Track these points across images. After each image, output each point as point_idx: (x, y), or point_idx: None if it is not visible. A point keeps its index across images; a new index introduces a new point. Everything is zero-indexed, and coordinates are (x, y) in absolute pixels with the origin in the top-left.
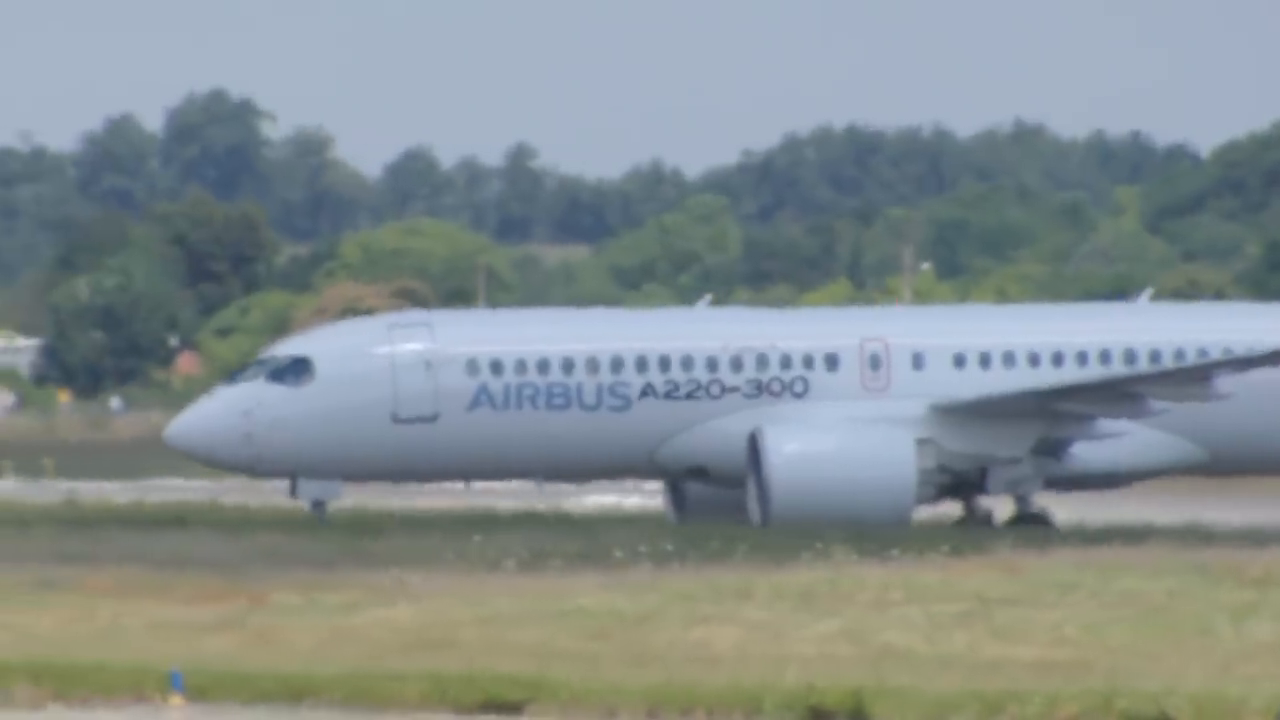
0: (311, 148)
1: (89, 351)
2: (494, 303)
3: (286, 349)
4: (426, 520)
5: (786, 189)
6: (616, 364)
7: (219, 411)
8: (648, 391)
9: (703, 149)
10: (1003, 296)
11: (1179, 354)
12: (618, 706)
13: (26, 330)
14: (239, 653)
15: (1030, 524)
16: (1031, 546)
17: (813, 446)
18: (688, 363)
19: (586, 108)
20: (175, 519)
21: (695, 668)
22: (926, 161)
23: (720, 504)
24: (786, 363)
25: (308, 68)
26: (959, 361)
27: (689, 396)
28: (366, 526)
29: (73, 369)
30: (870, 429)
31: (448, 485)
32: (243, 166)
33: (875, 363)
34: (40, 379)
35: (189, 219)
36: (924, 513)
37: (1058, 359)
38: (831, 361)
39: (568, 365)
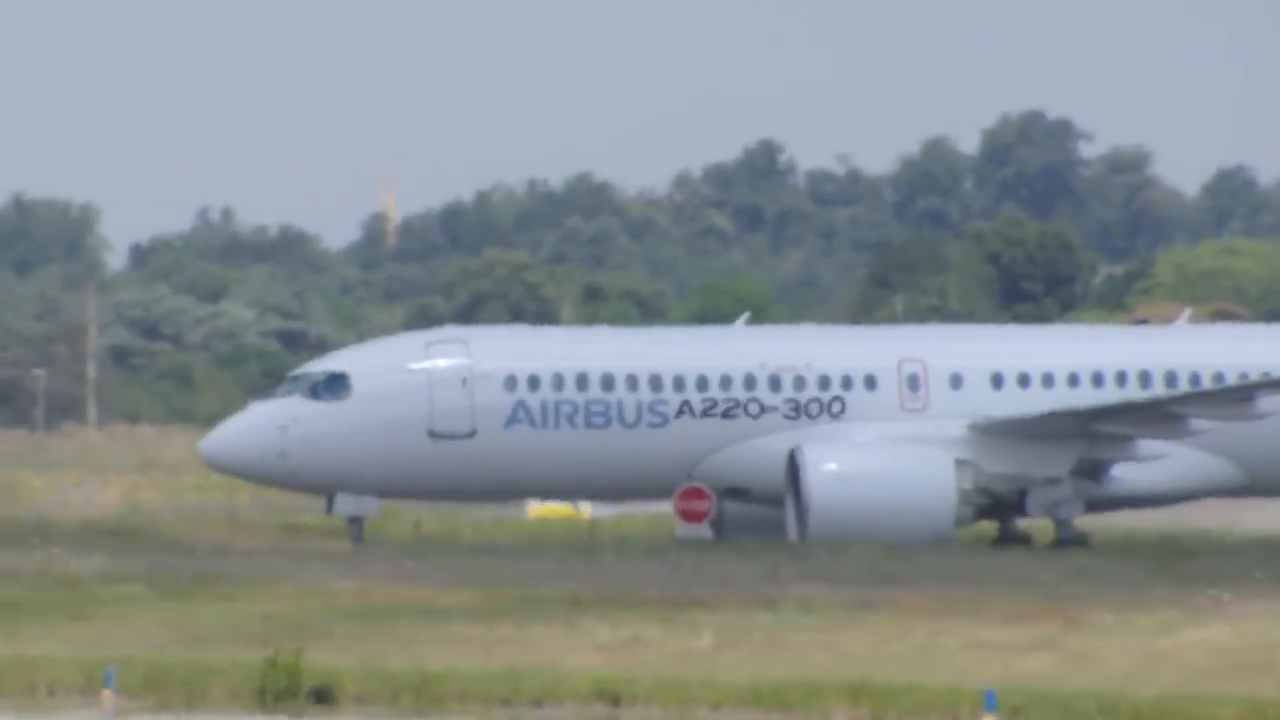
0: (1129, 166)
1: None
2: None
3: (323, 365)
4: (1239, 540)
5: None
6: (655, 382)
7: (254, 427)
8: (685, 409)
9: None
10: None
11: (1218, 375)
12: None
13: None
14: (1053, 673)
15: (1070, 547)
16: None
17: (852, 466)
18: (726, 381)
19: None
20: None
21: None
22: None
23: (757, 523)
24: (825, 383)
25: (1127, 86)
26: (997, 382)
27: (726, 415)
28: (1178, 546)
29: None
30: (909, 449)
31: None
32: (1058, 186)
33: (913, 383)
34: None
35: (1002, 238)
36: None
37: (1097, 379)
38: (870, 382)
39: (606, 382)
